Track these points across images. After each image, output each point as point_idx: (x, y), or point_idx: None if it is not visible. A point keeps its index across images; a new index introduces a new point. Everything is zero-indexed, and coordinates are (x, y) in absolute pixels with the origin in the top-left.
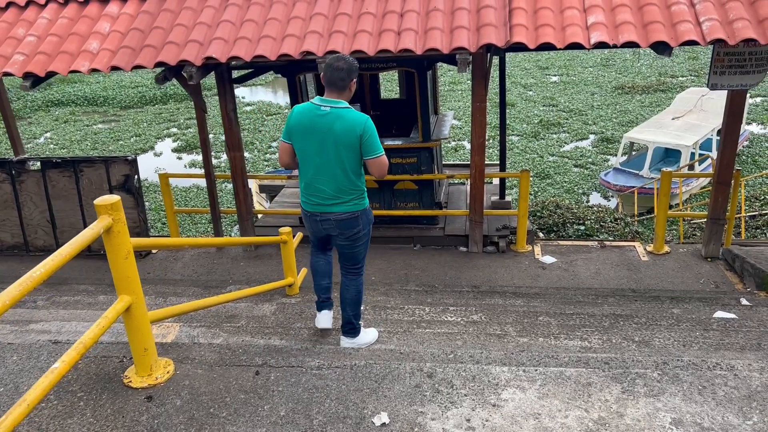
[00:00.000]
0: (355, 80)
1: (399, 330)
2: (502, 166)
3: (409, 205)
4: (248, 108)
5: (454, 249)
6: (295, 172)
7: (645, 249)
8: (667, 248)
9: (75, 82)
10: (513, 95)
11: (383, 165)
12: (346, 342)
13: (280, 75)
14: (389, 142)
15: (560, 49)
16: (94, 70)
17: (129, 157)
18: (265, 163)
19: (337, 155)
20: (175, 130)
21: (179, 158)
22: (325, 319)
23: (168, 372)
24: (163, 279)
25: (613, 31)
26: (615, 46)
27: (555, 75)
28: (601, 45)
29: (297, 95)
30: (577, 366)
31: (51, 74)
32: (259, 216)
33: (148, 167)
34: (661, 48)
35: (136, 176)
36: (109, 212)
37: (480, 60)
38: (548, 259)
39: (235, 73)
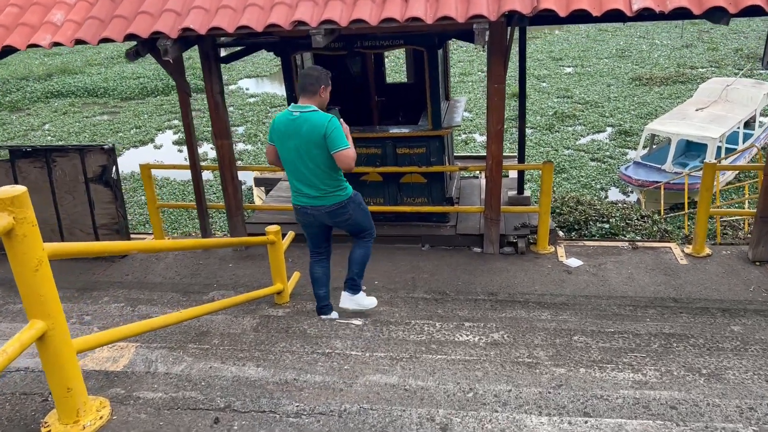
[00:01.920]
0: (326, 87)
1: (404, 355)
2: (521, 158)
3: (417, 201)
4: (252, 99)
5: (467, 250)
6: None
7: (683, 251)
8: (708, 250)
9: (76, 73)
10: (526, 87)
11: (347, 157)
12: (346, 298)
13: (272, 53)
14: (395, 130)
15: (596, 18)
16: (56, 44)
17: (106, 146)
18: None
19: (309, 154)
20: (176, 122)
21: (180, 151)
22: (329, 317)
23: (101, 417)
24: (141, 282)
25: None
26: (662, 14)
27: (569, 66)
28: (645, 13)
29: (292, 78)
30: (638, 414)
31: (8, 49)
32: (252, 212)
33: (147, 159)
34: (717, 15)
35: (114, 167)
36: (9, 209)
37: (499, 33)
38: (574, 262)
39: (224, 52)
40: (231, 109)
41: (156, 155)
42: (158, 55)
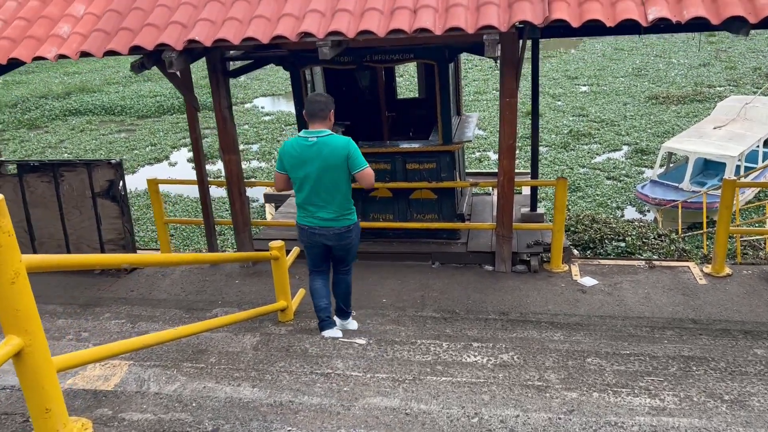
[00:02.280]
0: (332, 111)
1: (407, 376)
2: (534, 173)
3: (427, 217)
4: (267, 118)
5: (478, 267)
6: None
7: (702, 270)
8: (728, 269)
9: (94, 91)
10: (541, 105)
11: (369, 175)
12: (337, 321)
13: (282, 68)
14: (405, 145)
15: (609, 29)
16: (62, 57)
17: (113, 161)
18: None
19: (330, 177)
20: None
21: (194, 168)
22: (334, 332)
23: None
24: (145, 298)
25: (675, 6)
26: (679, 25)
27: (584, 85)
28: (661, 24)
29: (301, 92)
30: None
31: (14, 62)
32: (261, 228)
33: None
34: (737, 26)
35: (121, 182)
36: None
37: (510, 45)
38: (588, 281)
39: (233, 66)
40: (246, 127)
41: (170, 172)
42: (164, 68)
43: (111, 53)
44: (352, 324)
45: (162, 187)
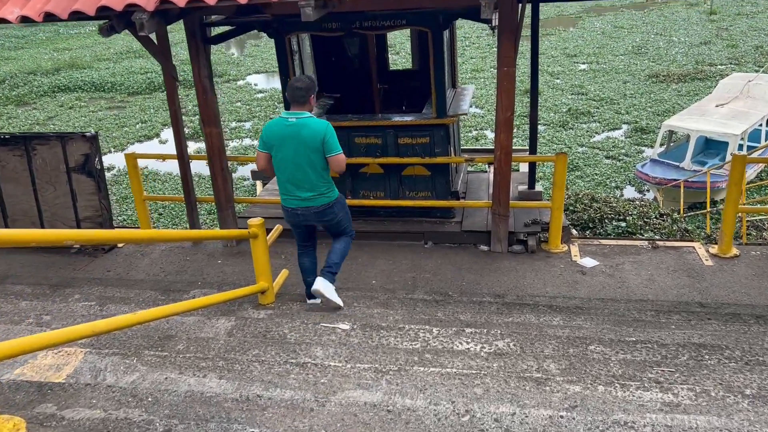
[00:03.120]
0: (314, 95)
1: (392, 366)
2: (533, 149)
3: (420, 195)
4: (260, 95)
5: (472, 248)
6: None
7: (707, 251)
8: (735, 250)
9: (84, 68)
10: (539, 83)
11: (340, 161)
12: (319, 282)
13: (265, 35)
14: (397, 119)
15: None
16: (25, 18)
17: (88, 134)
18: None
19: (306, 156)
20: (183, 117)
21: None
22: (314, 301)
23: None
24: (122, 279)
25: None
26: None
27: (583, 63)
28: None
29: (287, 62)
30: None
31: None
32: (246, 205)
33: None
34: None
35: (97, 156)
36: None
37: (508, 9)
38: (588, 262)
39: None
40: (238, 104)
41: (161, 150)
42: (135, 31)
43: (77, 14)
44: (336, 296)
45: (151, 165)
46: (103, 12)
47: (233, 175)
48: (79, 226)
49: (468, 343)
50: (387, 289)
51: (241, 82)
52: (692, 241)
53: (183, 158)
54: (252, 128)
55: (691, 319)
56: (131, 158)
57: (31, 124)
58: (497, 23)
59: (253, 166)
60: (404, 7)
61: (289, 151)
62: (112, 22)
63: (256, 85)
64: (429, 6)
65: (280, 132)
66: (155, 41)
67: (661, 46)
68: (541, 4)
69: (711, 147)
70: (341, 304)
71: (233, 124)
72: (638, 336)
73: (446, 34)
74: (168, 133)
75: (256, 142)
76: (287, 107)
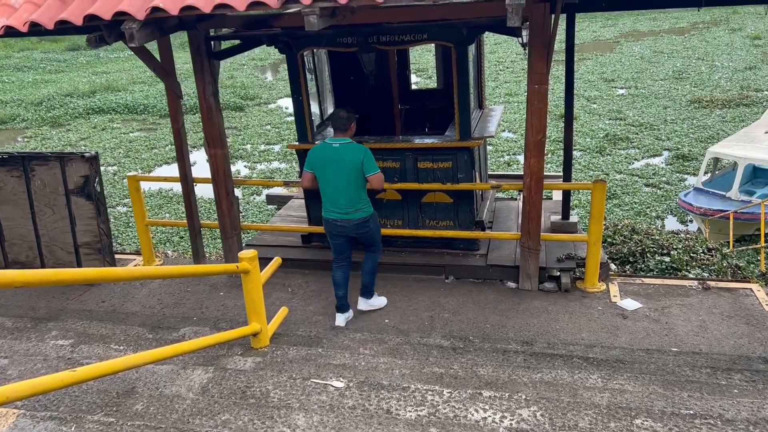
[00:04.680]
0: (354, 123)
1: None
2: (567, 176)
3: (441, 224)
4: (290, 119)
5: (498, 284)
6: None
7: None
8: None
9: (119, 90)
10: (575, 107)
11: (380, 179)
12: (362, 303)
13: (277, 50)
14: (417, 141)
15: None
16: (9, 30)
17: (87, 154)
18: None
19: (348, 176)
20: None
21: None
22: (341, 320)
23: None
24: (115, 312)
25: None
26: None
27: (621, 88)
28: None
29: (298, 79)
30: None
31: None
32: (255, 232)
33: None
34: None
35: (97, 178)
36: None
37: (539, 18)
38: (630, 304)
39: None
40: (268, 127)
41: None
42: (127, 42)
43: (64, 24)
44: (379, 300)
45: (167, 186)
46: (91, 21)
47: (256, 198)
48: (77, 252)
49: (485, 410)
50: (400, 330)
51: (272, 106)
52: (749, 281)
53: (186, 180)
54: (281, 151)
55: (756, 381)
56: (133, 181)
57: (64, 145)
58: (528, 34)
59: (269, 191)
60: (424, 19)
61: (332, 172)
62: (103, 32)
63: (286, 108)
64: (452, 18)
65: (325, 156)
66: (157, 56)
67: (704, 71)
68: (577, 24)
69: (759, 176)
70: (384, 302)
71: (262, 147)
72: (695, 405)
73: (472, 49)
74: (197, 155)
75: (283, 165)
76: (302, 121)
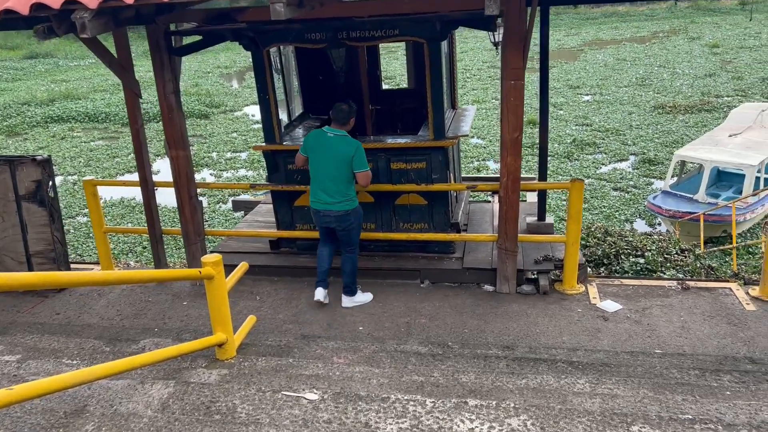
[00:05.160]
0: (353, 119)
1: None
2: (542, 176)
3: (416, 227)
4: (257, 126)
5: (475, 287)
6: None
7: (747, 293)
8: None
9: (79, 98)
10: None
11: (367, 177)
12: (345, 300)
13: (242, 46)
14: (390, 141)
15: None
16: None
17: (39, 157)
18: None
19: (336, 167)
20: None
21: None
22: (320, 294)
23: None
24: (69, 324)
25: None
26: None
27: (587, 94)
28: None
29: (265, 78)
30: None
31: None
32: (220, 238)
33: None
34: None
35: (50, 182)
36: None
37: (516, 12)
38: (610, 306)
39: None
40: (234, 135)
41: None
42: (86, 38)
43: (8, 13)
44: (363, 297)
45: (129, 195)
46: (39, 11)
47: (222, 206)
48: (29, 262)
49: (472, 420)
50: (375, 337)
51: (238, 113)
52: (727, 281)
53: (147, 184)
54: (248, 158)
55: (747, 381)
56: (90, 185)
57: (21, 155)
58: (502, 34)
59: (236, 197)
60: (396, 12)
61: (322, 159)
62: (52, 23)
63: (253, 115)
64: (424, 11)
65: (318, 141)
66: (114, 52)
67: (666, 78)
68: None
69: (723, 179)
70: (370, 298)
71: (228, 155)
72: (691, 410)
73: (444, 46)
74: (161, 164)
75: (250, 173)
76: (270, 125)
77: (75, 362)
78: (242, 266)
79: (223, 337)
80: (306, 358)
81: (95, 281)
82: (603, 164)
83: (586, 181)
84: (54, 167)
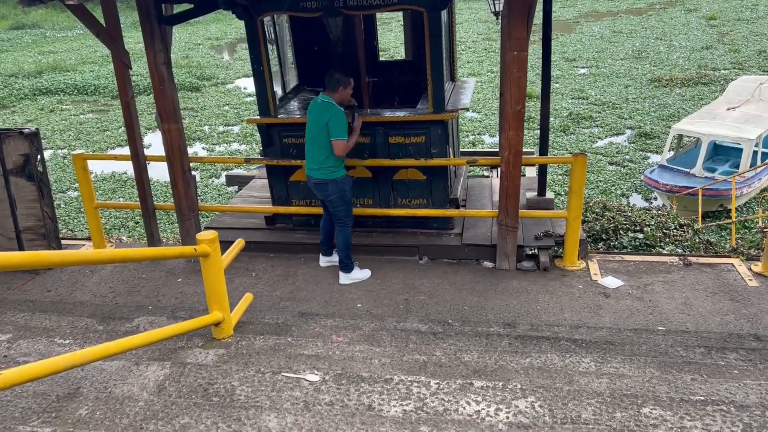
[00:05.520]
0: (344, 87)
1: None
2: (543, 150)
3: (414, 203)
4: (249, 99)
5: (475, 264)
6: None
7: (750, 269)
8: None
9: (67, 70)
10: (537, 86)
11: (338, 147)
12: (342, 278)
13: (235, 15)
14: (388, 114)
15: None
16: None
17: (27, 130)
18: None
19: (315, 133)
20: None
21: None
22: (322, 261)
23: None
24: (61, 302)
25: None
26: None
27: (583, 67)
28: None
29: (259, 48)
30: None
31: None
32: (214, 213)
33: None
34: None
35: (39, 156)
36: None
37: None
38: (611, 282)
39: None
40: (226, 108)
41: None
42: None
43: None
44: (360, 273)
45: (120, 169)
46: None
47: (215, 181)
48: (18, 238)
49: (478, 402)
50: (374, 315)
51: (230, 86)
52: (729, 256)
53: (138, 158)
54: (240, 132)
55: (753, 359)
56: (79, 159)
57: (8, 127)
58: (503, 3)
59: (229, 172)
60: None
61: (308, 124)
62: None
63: (245, 88)
64: None
65: (311, 106)
66: (102, 20)
67: (662, 51)
68: (536, 5)
69: (720, 152)
70: (368, 274)
71: (220, 128)
72: (701, 390)
73: (444, 15)
74: (152, 138)
75: (243, 147)
76: (264, 96)
77: (68, 341)
78: (239, 243)
79: (219, 316)
80: (305, 336)
81: (86, 260)
82: (599, 138)
83: None
84: (43, 141)
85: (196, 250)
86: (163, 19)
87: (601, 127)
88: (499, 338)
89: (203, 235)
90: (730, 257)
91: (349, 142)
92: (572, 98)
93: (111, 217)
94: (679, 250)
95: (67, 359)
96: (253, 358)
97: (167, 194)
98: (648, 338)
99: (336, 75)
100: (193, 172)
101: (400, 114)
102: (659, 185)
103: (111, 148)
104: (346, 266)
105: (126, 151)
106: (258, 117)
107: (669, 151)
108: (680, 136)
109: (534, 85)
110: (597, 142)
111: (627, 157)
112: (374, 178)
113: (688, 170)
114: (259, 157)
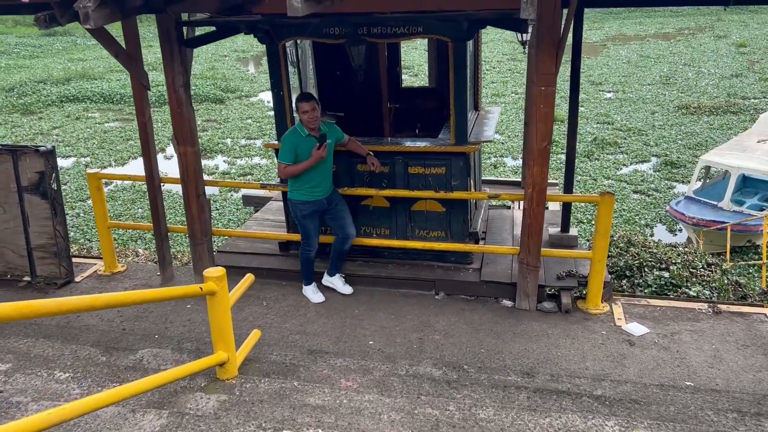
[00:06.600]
0: (297, 111)
1: None
2: (568, 186)
3: (432, 235)
4: (272, 113)
5: (493, 302)
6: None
7: None
8: None
9: (95, 78)
10: (562, 110)
11: (278, 168)
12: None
13: (257, 39)
14: (408, 144)
15: None
16: None
17: (42, 148)
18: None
19: None
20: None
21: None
22: (324, 279)
23: None
24: (69, 325)
25: None
26: None
27: (609, 91)
28: None
29: (279, 72)
30: None
31: None
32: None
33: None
34: None
35: (53, 174)
36: None
37: (550, 13)
38: (637, 329)
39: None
40: (249, 121)
41: (165, 165)
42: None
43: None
44: (312, 294)
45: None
46: None
47: (233, 195)
48: (30, 255)
49: None
50: (386, 355)
51: (253, 99)
52: (762, 305)
53: (153, 180)
54: (262, 146)
55: None
56: (94, 179)
57: (35, 134)
58: (531, 36)
59: (246, 191)
60: (420, 10)
61: None
62: (54, 10)
63: (268, 102)
64: (451, 9)
65: None
66: (122, 42)
67: (690, 77)
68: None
69: (749, 185)
70: (319, 300)
71: (243, 141)
72: None
73: (470, 45)
74: (170, 151)
75: (264, 161)
76: (282, 116)
77: (67, 375)
78: (248, 279)
79: (224, 357)
80: (312, 381)
81: (80, 308)
82: (624, 165)
83: (606, 182)
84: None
85: (202, 288)
86: (183, 42)
87: (626, 153)
88: (517, 391)
89: (210, 272)
90: (763, 306)
91: (290, 168)
92: (597, 123)
93: (128, 229)
94: (707, 292)
95: (57, 413)
96: (256, 408)
97: (183, 210)
98: (675, 396)
99: (305, 94)
100: (211, 188)
101: (420, 144)
102: (685, 218)
103: (133, 157)
104: (304, 279)
105: None
106: (276, 142)
107: (696, 181)
108: (708, 167)
109: (560, 108)
110: (621, 169)
111: (652, 185)
112: (392, 208)
113: (715, 203)
114: (275, 183)
